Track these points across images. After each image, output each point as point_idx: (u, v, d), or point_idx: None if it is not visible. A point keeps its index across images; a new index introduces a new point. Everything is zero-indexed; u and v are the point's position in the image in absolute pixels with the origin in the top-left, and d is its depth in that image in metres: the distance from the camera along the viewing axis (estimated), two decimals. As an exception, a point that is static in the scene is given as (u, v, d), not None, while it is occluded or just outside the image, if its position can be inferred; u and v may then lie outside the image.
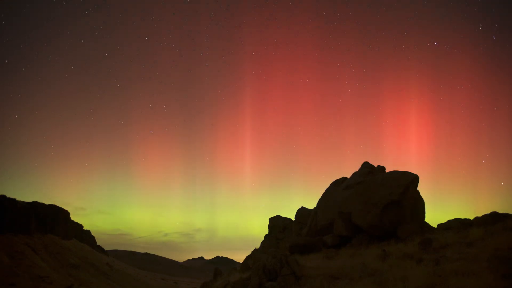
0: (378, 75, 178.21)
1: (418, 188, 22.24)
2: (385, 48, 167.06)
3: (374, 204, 19.71)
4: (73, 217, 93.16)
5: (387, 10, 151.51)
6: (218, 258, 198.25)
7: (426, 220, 22.41)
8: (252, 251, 31.30)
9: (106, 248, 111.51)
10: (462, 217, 20.57)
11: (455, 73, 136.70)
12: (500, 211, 18.88)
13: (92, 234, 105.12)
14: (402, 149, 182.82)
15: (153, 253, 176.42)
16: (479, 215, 19.43)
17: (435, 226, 21.09)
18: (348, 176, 26.81)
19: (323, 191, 27.15)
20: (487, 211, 19.67)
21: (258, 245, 34.52)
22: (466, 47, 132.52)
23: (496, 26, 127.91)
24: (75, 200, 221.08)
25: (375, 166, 26.05)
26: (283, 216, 35.44)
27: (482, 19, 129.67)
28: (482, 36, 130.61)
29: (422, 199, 22.76)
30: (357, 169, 26.42)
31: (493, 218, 18.14)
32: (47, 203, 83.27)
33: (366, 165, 26.24)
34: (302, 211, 32.02)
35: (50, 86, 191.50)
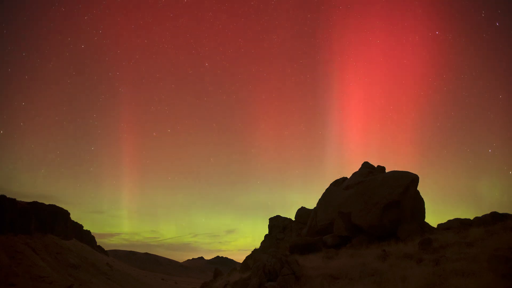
0: (379, 69, 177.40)
1: (418, 188, 22.27)
2: (386, 41, 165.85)
3: (374, 204, 19.70)
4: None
5: (386, 0, 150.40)
6: (218, 258, 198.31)
7: (426, 220, 22.42)
8: (252, 251, 31.30)
9: (111, 248, 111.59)
10: (464, 216, 20.55)
11: (458, 61, 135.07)
12: (508, 202, 18.85)
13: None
14: (404, 144, 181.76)
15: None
16: (485, 208, 19.46)
17: (435, 226, 21.11)
18: (348, 176, 26.80)
19: (323, 191, 27.15)
20: (496, 201, 19.67)
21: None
22: (468, 35, 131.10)
23: (499, 12, 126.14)
24: (81, 203, 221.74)
25: (375, 166, 26.06)
26: (283, 216, 35.41)
27: (484, 5, 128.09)
28: (485, 23, 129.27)
29: (422, 199, 22.78)
30: (357, 169, 26.42)
31: (493, 218, 18.13)
32: (46, 203, 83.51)
33: (366, 165, 26.24)
34: (302, 211, 32.00)
35: (53, 93, 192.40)
